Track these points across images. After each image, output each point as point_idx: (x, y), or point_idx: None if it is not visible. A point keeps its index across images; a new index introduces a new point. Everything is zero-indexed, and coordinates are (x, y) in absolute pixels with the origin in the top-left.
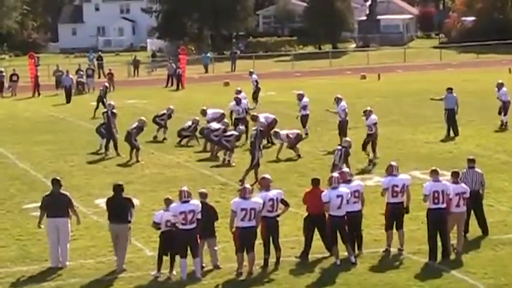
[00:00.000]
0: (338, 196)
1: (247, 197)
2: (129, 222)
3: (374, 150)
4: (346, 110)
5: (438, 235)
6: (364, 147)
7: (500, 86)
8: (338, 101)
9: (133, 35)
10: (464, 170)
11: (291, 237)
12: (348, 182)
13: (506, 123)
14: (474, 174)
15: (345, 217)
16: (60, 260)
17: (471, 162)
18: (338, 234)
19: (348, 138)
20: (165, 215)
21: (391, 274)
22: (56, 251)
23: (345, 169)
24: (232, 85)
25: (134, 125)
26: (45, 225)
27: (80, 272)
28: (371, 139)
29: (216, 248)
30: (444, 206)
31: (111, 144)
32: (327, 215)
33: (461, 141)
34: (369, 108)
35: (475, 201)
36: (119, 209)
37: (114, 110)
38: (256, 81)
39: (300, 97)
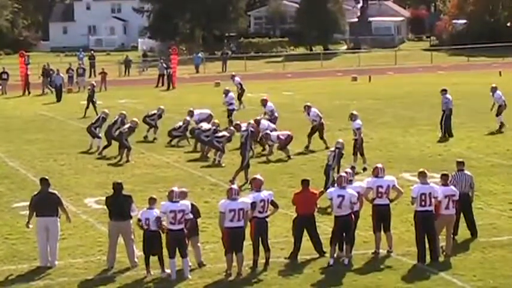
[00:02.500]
0: (339, 196)
1: (234, 198)
2: (131, 218)
3: (362, 154)
4: (320, 114)
5: (426, 237)
6: (354, 152)
7: (494, 89)
8: (308, 108)
9: (125, 34)
10: (454, 173)
11: (281, 238)
12: (349, 182)
13: (502, 123)
14: (463, 177)
15: (351, 216)
16: (49, 259)
17: (460, 164)
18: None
19: (340, 140)
20: (146, 213)
21: (380, 276)
22: (45, 250)
23: (348, 170)
24: (223, 86)
25: (126, 126)
26: (34, 224)
27: (68, 271)
28: (358, 144)
29: (199, 245)
30: (431, 208)
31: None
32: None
33: (452, 143)
34: (354, 112)
35: (464, 204)
36: (120, 206)
37: (125, 120)
38: (240, 83)
39: (264, 102)
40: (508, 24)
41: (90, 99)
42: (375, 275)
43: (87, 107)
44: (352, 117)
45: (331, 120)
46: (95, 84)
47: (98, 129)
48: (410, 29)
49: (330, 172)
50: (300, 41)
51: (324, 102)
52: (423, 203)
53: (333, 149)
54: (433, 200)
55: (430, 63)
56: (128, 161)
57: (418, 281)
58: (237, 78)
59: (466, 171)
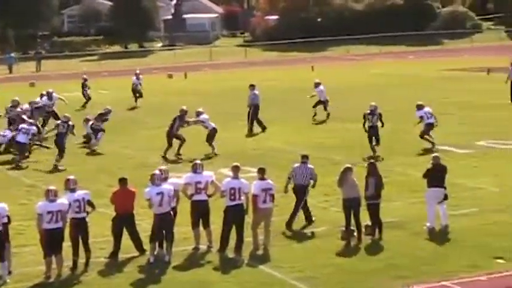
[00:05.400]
0: (158, 193)
1: (52, 199)
2: None
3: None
4: (206, 122)
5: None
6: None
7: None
8: (199, 114)
9: None
10: (296, 165)
11: (101, 237)
12: (164, 180)
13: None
14: (305, 169)
15: (171, 213)
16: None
17: (304, 158)
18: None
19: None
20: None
21: (201, 272)
22: None
23: (163, 167)
24: (38, 86)
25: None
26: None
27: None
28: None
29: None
30: (241, 202)
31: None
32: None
33: (268, 138)
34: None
35: (301, 194)
36: None
37: (70, 122)
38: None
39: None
40: (319, 19)
41: None
42: (195, 271)
43: None
44: (197, 114)
45: (152, 117)
46: None
47: None
48: (224, 26)
49: None
50: (115, 39)
51: (140, 99)
52: (232, 197)
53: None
54: (243, 195)
55: (244, 59)
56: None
57: (238, 275)
58: (321, 87)
59: (308, 164)
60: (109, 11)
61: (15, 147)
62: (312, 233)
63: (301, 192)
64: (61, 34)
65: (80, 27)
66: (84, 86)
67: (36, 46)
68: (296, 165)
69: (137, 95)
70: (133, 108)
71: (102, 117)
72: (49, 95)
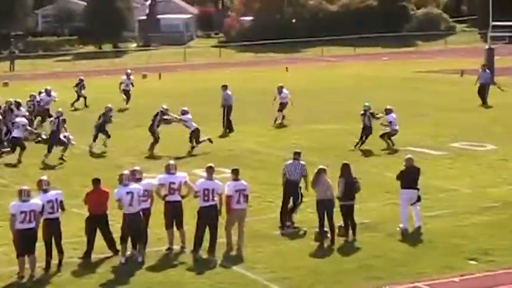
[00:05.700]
0: (128, 193)
1: (25, 199)
2: None
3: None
4: (188, 122)
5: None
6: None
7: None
8: (184, 113)
9: None
10: (289, 162)
11: (74, 238)
12: (138, 180)
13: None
14: (297, 166)
15: (140, 213)
16: None
17: (296, 154)
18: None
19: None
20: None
21: (173, 272)
22: None
23: (136, 168)
24: (11, 85)
25: None
26: None
27: None
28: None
29: None
30: (214, 203)
31: None
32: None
33: (241, 138)
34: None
35: (293, 190)
36: None
37: (62, 117)
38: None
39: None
40: (294, 20)
41: None
42: (168, 272)
43: None
44: (182, 112)
45: (127, 119)
46: None
47: None
48: (198, 26)
49: None
50: (89, 39)
51: (117, 99)
52: (206, 198)
53: None
54: (216, 196)
55: (219, 60)
56: None
57: (212, 276)
58: (284, 91)
59: (301, 161)
60: (83, 11)
61: (11, 143)
62: (288, 234)
63: (293, 187)
64: (35, 34)
65: (54, 27)
66: (81, 87)
67: (10, 46)
68: (289, 162)
69: (126, 96)
70: (123, 110)
71: (105, 117)
72: (47, 92)
